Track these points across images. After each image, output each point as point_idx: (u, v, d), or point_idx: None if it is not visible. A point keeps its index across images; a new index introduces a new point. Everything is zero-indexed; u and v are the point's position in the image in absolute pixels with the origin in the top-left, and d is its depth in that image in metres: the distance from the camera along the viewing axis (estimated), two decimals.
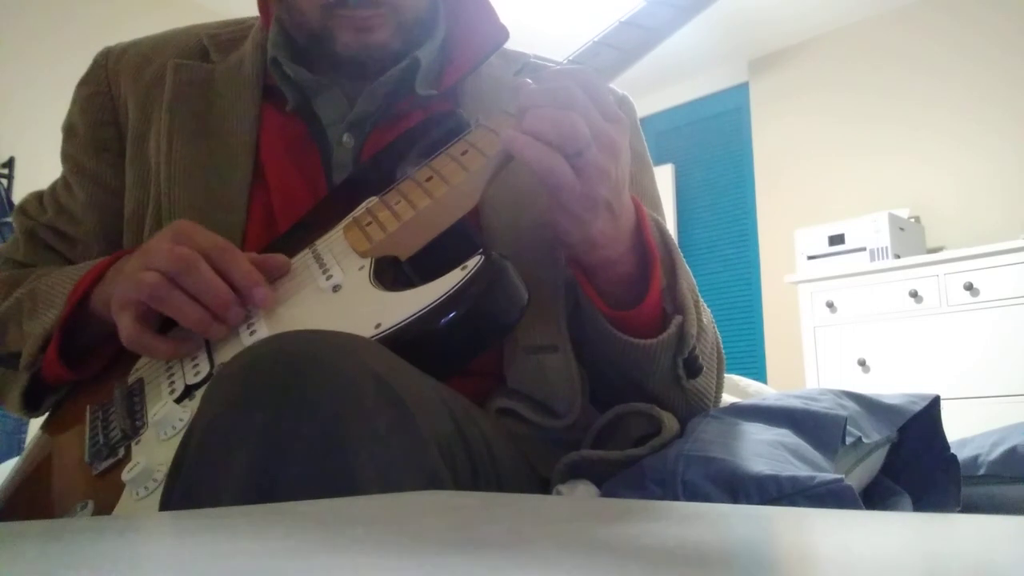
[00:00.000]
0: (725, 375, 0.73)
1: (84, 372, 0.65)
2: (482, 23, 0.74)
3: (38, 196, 0.79)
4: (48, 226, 0.76)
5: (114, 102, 0.75)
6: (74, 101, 0.77)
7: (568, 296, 0.70)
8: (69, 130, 0.77)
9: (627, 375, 0.65)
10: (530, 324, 0.65)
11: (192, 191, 0.68)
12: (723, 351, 0.71)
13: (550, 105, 0.54)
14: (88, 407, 0.62)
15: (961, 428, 1.03)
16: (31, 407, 0.68)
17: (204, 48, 0.76)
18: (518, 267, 0.60)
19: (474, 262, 0.53)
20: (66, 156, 0.77)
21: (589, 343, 0.65)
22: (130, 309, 0.56)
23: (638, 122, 0.79)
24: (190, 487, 0.40)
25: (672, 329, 0.61)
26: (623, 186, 0.57)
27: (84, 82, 0.77)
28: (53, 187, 0.78)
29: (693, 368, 0.64)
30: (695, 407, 0.67)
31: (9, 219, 1.88)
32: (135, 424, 0.56)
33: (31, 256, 0.76)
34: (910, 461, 0.73)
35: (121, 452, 0.55)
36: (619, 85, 0.81)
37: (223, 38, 0.76)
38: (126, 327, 0.56)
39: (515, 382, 0.65)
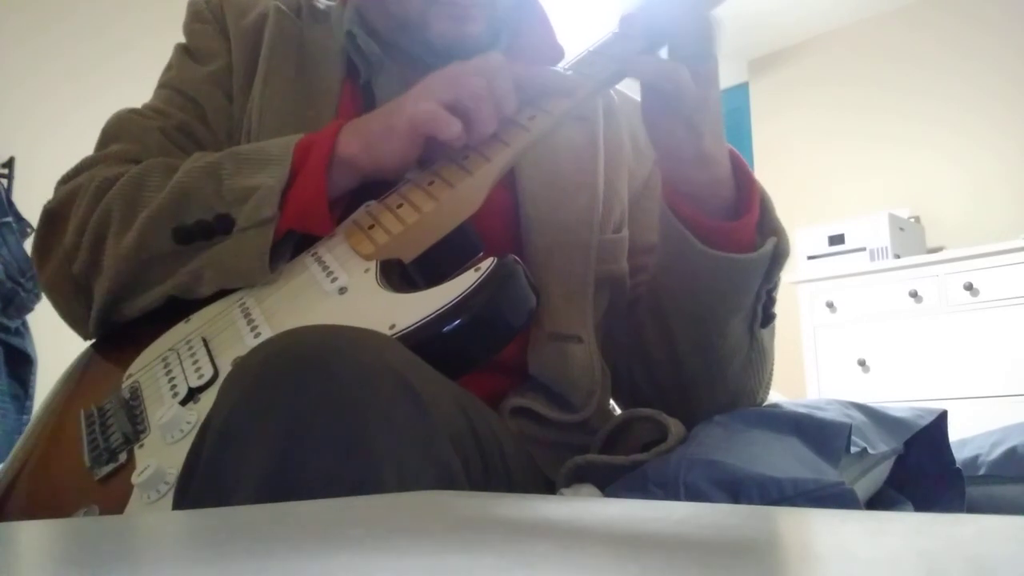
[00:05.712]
0: None
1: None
2: (541, 41, 0.76)
3: (141, 110, 0.74)
4: (181, 128, 0.71)
5: (227, 39, 0.75)
6: (188, 36, 0.76)
7: (602, 292, 0.71)
8: (188, 52, 0.75)
9: (711, 309, 0.64)
10: (558, 312, 0.67)
11: (281, 132, 0.67)
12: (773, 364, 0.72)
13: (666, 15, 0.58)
14: (81, 411, 0.61)
15: (961, 428, 1.03)
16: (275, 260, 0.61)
17: (299, 5, 0.77)
18: (555, 259, 0.61)
19: (487, 264, 0.54)
20: (185, 68, 0.74)
21: (676, 279, 0.65)
22: (434, 100, 0.59)
23: None
24: (209, 480, 0.40)
25: (768, 247, 0.61)
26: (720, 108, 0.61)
27: (194, 21, 0.76)
28: (156, 105, 0.73)
29: (768, 312, 0.66)
30: (750, 373, 0.68)
31: (9, 219, 1.87)
32: (136, 429, 0.56)
33: (163, 154, 0.69)
34: (915, 475, 0.73)
35: (122, 457, 0.54)
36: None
37: (316, 6, 0.78)
38: (428, 107, 0.59)
39: (536, 368, 0.65)
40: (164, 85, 0.75)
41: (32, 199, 1.49)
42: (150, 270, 0.62)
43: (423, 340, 0.50)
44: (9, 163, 2.57)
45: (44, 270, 0.68)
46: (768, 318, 0.66)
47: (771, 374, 0.72)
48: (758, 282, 0.63)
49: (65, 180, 0.70)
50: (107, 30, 2.70)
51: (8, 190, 2.54)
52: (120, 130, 0.72)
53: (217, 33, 0.75)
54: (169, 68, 0.76)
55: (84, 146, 0.76)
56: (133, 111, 0.73)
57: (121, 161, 0.69)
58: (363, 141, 0.61)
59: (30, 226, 1.90)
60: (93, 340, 0.70)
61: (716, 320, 0.64)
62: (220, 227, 0.60)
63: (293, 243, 0.63)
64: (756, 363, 0.68)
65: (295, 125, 0.67)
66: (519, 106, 0.62)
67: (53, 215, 0.68)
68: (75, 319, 0.68)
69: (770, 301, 0.66)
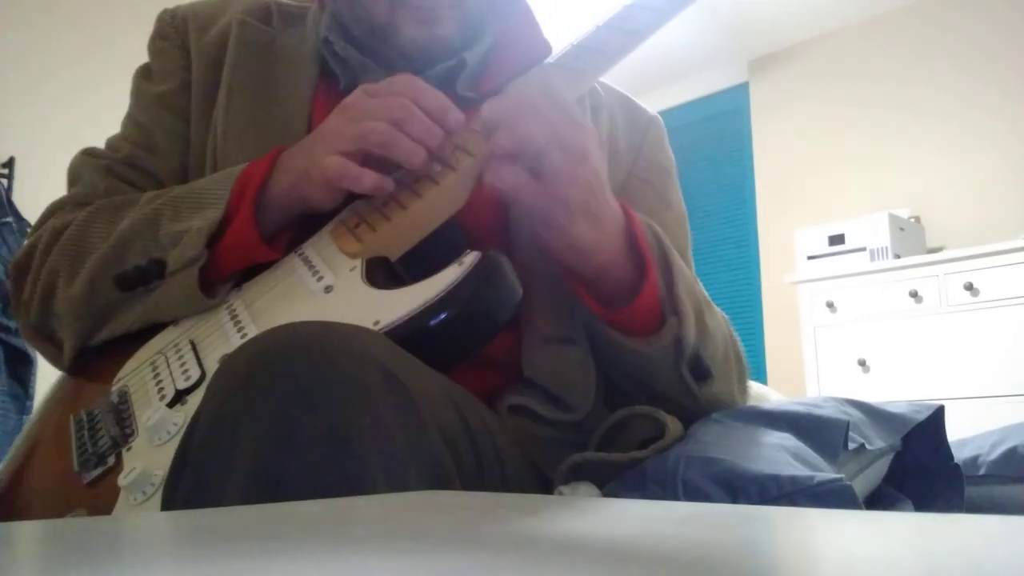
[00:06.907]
0: None
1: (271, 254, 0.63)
2: (527, 36, 0.76)
3: (94, 150, 0.76)
4: (126, 162, 0.73)
5: (187, 56, 0.75)
6: (150, 54, 0.77)
7: None
8: (146, 73, 0.76)
9: (634, 380, 0.65)
10: (550, 314, 0.66)
11: (245, 149, 0.68)
12: (743, 355, 0.72)
13: (509, 114, 0.56)
14: (71, 416, 0.61)
15: (961, 428, 1.03)
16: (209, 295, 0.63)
17: (269, 12, 0.77)
18: (543, 261, 0.60)
19: (471, 258, 0.54)
20: (140, 92, 0.75)
21: (597, 349, 0.66)
22: (340, 156, 0.58)
23: (666, 139, 0.82)
24: (197, 478, 0.40)
25: (666, 333, 0.61)
26: (598, 189, 0.58)
27: (157, 38, 0.77)
28: (116, 137, 0.76)
29: (700, 372, 0.64)
30: (714, 395, 0.67)
31: (9, 219, 1.88)
32: (124, 432, 0.56)
33: (111, 192, 0.72)
34: (913, 470, 0.72)
35: (111, 460, 0.54)
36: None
37: (288, 10, 0.77)
38: (335, 163, 0.58)
39: (531, 370, 0.65)
40: (127, 116, 0.76)
41: (32, 199, 1.49)
42: (104, 316, 0.64)
43: (408, 335, 0.50)
44: (9, 163, 2.57)
45: (19, 321, 0.71)
46: (703, 376, 0.65)
47: (743, 373, 0.71)
48: (668, 364, 0.62)
49: (36, 227, 0.72)
50: (108, 31, 2.70)
51: (8, 190, 2.54)
52: (75, 174, 0.75)
53: (177, 49, 0.75)
54: (131, 95, 0.77)
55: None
56: (86, 152, 0.75)
57: (75, 206, 0.71)
58: (290, 181, 0.61)
59: (29, 226, 1.90)
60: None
61: (647, 389, 0.65)
62: (156, 271, 0.61)
63: (238, 275, 0.64)
64: (712, 410, 0.67)
65: (262, 138, 0.68)
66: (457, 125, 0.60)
67: (18, 268, 0.70)
68: (53, 360, 0.70)
69: (697, 364, 0.64)
